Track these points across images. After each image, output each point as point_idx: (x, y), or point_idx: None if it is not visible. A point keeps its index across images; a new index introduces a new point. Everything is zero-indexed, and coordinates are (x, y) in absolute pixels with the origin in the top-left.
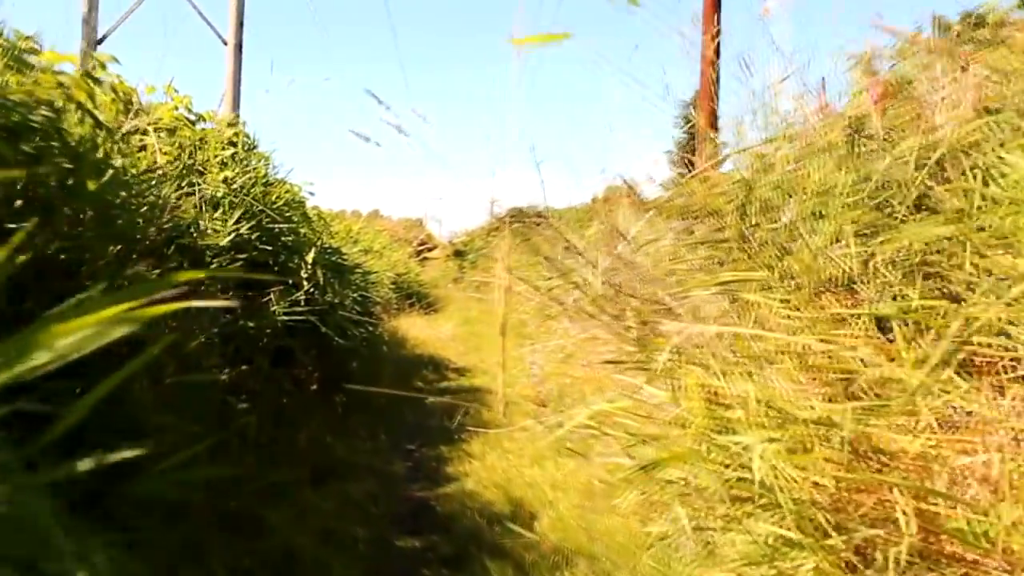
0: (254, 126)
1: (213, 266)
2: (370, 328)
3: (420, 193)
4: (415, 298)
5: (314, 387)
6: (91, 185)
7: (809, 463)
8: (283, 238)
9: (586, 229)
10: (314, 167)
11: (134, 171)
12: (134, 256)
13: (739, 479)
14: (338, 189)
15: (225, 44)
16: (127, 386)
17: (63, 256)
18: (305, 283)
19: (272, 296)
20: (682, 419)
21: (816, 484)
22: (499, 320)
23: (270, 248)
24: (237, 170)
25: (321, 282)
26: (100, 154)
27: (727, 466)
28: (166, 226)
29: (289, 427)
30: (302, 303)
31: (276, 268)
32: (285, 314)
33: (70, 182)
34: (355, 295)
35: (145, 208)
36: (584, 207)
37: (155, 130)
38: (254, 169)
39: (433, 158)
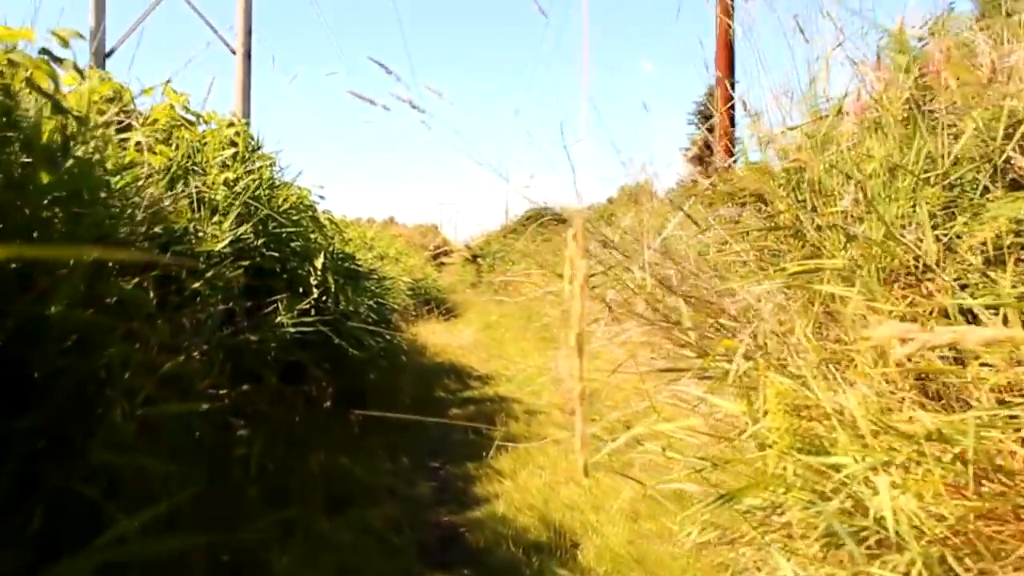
0: (265, 131)
1: (210, 274)
2: (387, 337)
3: (435, 195)
4: (433, 304)
5: (327, 404)
6: (44, 177)
7: (925, 489)
8: (291, 243)
9: (612, 225)
10: (328, 175)
11: (113, 167)
12: (110, 264)
13: (842, 511)
14: (353, 197)
15: (234, 53)
16: (103, 417)
17: (14, 266)
18: (315, 290)
19: (279, 305)
20: (760, 436)
21: (932, 514)
22: (572, 336)
23: (277, 254)
24: (240, 171)
25: (333, 289)
26: (52, 138)
27: (818, 492)
28: (156, 230)
29: (300, 450)
30: (312, 312)
31: (284, 275)
32: (294, 325)
33: (36, 180)
34: (370, 303)
35: (131, 210)
36: (602, 206)
37: (152, 130)
38: (258, 170)
39: (451, 135)
